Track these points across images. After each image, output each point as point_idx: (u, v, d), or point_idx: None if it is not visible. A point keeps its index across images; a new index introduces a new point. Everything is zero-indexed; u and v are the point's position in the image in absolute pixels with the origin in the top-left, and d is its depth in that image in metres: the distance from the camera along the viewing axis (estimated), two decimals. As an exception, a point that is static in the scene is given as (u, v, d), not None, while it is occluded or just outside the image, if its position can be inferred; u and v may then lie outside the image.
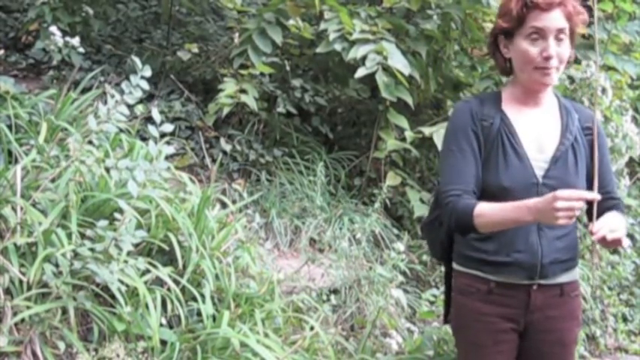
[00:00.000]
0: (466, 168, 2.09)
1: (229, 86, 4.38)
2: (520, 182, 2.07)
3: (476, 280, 2.14)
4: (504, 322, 2.13)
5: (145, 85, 2.48)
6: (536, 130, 2.14)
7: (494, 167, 2.09)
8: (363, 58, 4.19)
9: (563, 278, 2.14)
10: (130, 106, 2.53)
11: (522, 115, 2.14)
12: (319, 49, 4.39)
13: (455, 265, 2.25)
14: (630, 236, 4.91)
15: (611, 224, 1.94)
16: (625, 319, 4.62)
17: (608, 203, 2.15)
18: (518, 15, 2.05)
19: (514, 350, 2.18)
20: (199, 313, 2.79)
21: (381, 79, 4.16)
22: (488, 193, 2.09)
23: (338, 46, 4.27)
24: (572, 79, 4.65)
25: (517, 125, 2.13)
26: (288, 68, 4.75)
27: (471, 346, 2.19)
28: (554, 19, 2.04)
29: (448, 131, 2.18)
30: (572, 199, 1.82)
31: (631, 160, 4.77)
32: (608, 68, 5.03)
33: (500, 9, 2.15)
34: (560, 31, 2.04)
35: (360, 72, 4.17)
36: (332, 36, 4.28)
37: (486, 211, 2.01)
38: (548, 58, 2.03)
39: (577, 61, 5.09)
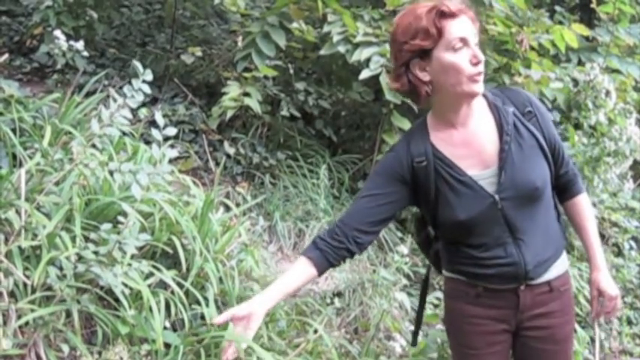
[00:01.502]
0: (365, 206, 2.10)
1: (233, 89, 4.39)
2: (476, 210, 2.01)
3: (464, 285, 2.15)
4: (496, 323, 2.13)
5: (147, 89, 2.49)
6: (474, 147, 2.05)
7: (447, 204, 2.04)
8: (367, 61, 4.19)
9: (550, 274, 2.11)
10: (133, 110, 2.54)
11: (453, 139, 2.06)
12: (323, 51, 4.39)
13: (444, 271, 2.25)
14: (635, 239, 4.91)
15: (610, 309, 2.24)
16: (630, 322, 4.62)
17: (566, 177, 2.19)
18: (437, 28, 1.94)
19: (507, 350, 2.19)
20: (203, 317, 2.79)
21: (385, 81, 4.17)
22: (453, 228, 2.07)
23: (342, 48, 4.27)
24: (575, 82, 4.64)
25: (451, 153, 2.05)
26: (291, 71, 4.76)
27: (463, 349, 2.20)
28: (465, 26, 1.96)
29: (374, 166, 2.18)
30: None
31: (635, 162, 4.76)
32: (612, 70, 5.03)
33: (406, 31, 1.99)
34: (473, 35, 1.96)
35: (364, 73, 4.18)
36: (335, 38, 4.29)
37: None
38: (478, 64, 1.94)
39: (581, 63, 5.09)
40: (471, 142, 2.05)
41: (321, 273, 2.09)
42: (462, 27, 1.96)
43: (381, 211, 2.09)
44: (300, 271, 2.07)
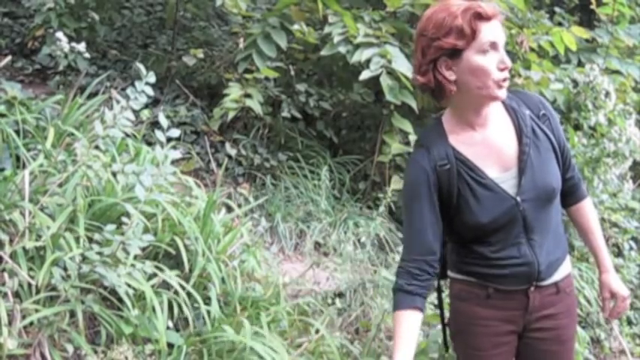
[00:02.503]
0: (422, 230, 2.03)
1: (234, 91, 4.41)
2: (498, 212, 2.01)
3: (473, 286, 2.13)
4: (504, 324, 2.13)
5: (150, 92, 2.50)
6: (494, 149, 2.05)
7: (468, 207, 2.03)
8: (367, 62, 4.21)
9: (557, 275, 2.12)
10: (135, 112, 2.55)
11: (473, 140, 2.05)
12: (324, 52, 4.41)
13: (451, 273, 2.23)
14: (634, 239, 4.92)
15: (621, 310, 2.25)
16: (630, 322, 4.62)
17: (572, 181, 2.21)
18: (472, 29, 1.92)
19: (513, 351, 2.18)
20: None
21: (385, 82, 4.18)
22: (472, 231, 2.06)
23: (342, 49, 4.29)
24: (575, 83, 4.66)
25: (472, 155, 2.04)
26: (292, 73, 4.78)
27: (470, 350, 2.18)
28: (497, 30, 1.94)
29: (404, 187, 2.12)
30: None
31: (635, 163, 4.77)
32: (612, 71, 5.04)
33: (439, 27, 1.95)
34: (502, 41, 1.96)
35: (365, 74, 4.19)
36: (336, 38, 4.30)
37: (396, 324, 2.00)
38: (505, 69, 1.94)
39: (580, 65, 5.11)
40: (490, 144, 2.05)
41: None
42: (494, 31, 1.95)
43: (438, 232, 2.05)
44: (417, 324, 2.00)
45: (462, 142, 2.05)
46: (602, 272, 2.25)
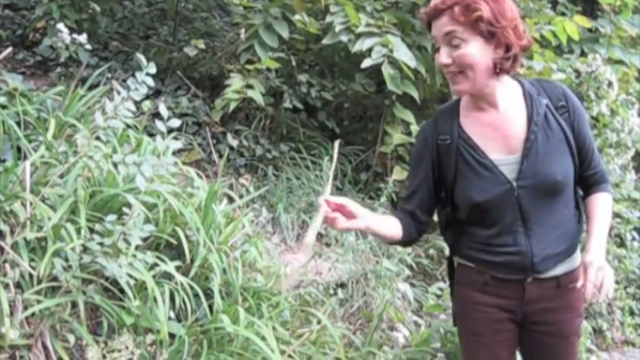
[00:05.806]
0: (415, 192, 2.19)
1: (236, 82, 4.40)
2: (493, 193, 2.04)
3: (473, 272, 2.17)
4: (501, 312, 2.14)
5: (151, 82, 2.50)
6: (501, 132, 2.07)
7: (464, 185, 2.07)
8: (369, 51, 4.20)
9: (558, 270, 2.11)
10: (136, 103, 2.55)
11: (480, 121, 2.09)
12: (325, 41, 4.40)
13: (455, 257, 2.28)
14: (637, 230, 4.92)
15: (597, 282, 1.97)
16: (632, 313, 4.63)
17: (593, 178, 2.19)
18: (426, 26, 2.06)
19: (514, 340, 2.20)
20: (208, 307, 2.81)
21: (387, 71, 4.17)
22: (469, 210, 2.10)
23: (344, 38, 4.28)
24: (578, 73, 4.64)
25: (476, 134, 2.08)
26: (294, 63, 4.77)
27: (470, 335, 2.22)
28: (440, 26, 1.98)
29: (412, 149, 2.24)
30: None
31: (637, 154, 4.77)
32: (615, 61, 5.02)
33: None
34: (447, 35, 1.96)
35: (366, 63, 4.18)
36: (338, 28, 4.29)
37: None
38: (443, 66, 2.00)
39: (583, 55, 5.09)
40: (500, 126, 2.08)
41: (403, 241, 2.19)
42: (435, 29, 2.00)
43: (427, 197, 2.18)
44: (394, 222, 2.15)
45: (471, 121, 2.10)
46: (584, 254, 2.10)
